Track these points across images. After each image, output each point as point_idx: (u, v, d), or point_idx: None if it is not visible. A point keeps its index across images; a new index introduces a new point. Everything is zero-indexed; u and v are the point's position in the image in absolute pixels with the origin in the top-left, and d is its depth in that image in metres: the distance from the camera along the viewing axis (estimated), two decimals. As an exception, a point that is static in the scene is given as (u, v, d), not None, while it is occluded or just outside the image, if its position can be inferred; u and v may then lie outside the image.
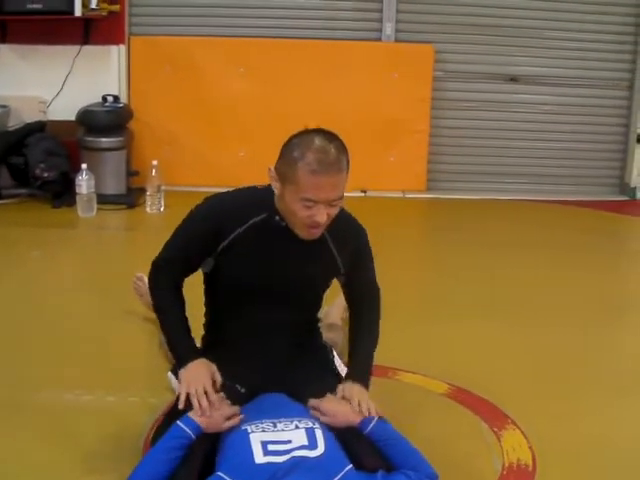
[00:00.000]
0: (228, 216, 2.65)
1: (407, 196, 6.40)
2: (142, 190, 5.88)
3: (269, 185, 2.61)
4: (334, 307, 3.65)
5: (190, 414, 2.53)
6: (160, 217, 5.73)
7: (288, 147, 2.52)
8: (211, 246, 2.67)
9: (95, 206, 5.62)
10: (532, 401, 3.31)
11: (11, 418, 3.03)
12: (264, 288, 2.69)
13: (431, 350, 3.71)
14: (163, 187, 5.76)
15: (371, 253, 2.83)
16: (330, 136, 2.52)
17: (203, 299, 2.87)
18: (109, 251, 5.15)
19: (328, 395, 2.61)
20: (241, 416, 2.54)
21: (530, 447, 2.97)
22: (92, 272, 4.70)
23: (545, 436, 3.03)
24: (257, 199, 2.67)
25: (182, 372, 2.64)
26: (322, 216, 2.49)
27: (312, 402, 2.59)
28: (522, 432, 3.06)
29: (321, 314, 3.06)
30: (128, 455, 2.76)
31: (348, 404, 2.57)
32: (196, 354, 2.69)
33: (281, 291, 2.70)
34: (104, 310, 4.03)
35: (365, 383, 2.68)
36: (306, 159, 2.44)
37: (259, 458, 2.38)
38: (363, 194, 6.36)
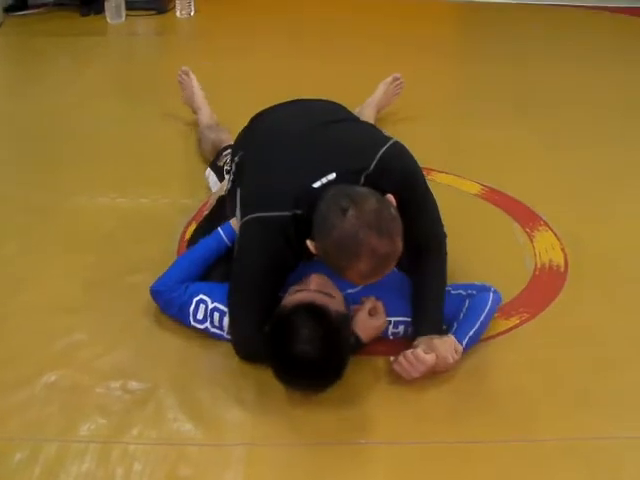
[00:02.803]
0: (286, 265, 2.36)
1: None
2: (172, -5, 5.75)
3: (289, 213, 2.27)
4: (365, 107, 3.59)
5: (232, 222, 2.55)
6: (190, 22, 5.61)
7: (330, 239, 2.12)
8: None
9: (124, 12, 5.50)
10: (564, 204, 3.29)
11: (47, 221, 3.08)
12: None
13: (464, 152, 3.68)
14: (193, -9, 5.63)
15: (425, 197, 2.45)
16: (381, 224, 2.10)
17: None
18: (140, 56, 5.09)
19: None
20: None
21: (562, 249, 2.98)
22: (123, 78, 4.64)
23: (577, 239, 3.04)
24: (295, 235, 2.27)
25: None
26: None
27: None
28: (554, 234, 3.06)
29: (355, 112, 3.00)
30: (162, 254, 2.82)
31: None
32: None
33: None
34: (137, 115, 4.01)
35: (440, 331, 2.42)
36: (357, 267, 2.11)
37: None
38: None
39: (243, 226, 2.34)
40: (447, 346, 2.34)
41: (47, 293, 2.67)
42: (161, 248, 2.88)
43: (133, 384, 2.30)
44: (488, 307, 2.48)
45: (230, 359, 2.40)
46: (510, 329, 2.57)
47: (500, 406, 2.28)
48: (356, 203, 2.12)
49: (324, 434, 2.18)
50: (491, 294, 2.52)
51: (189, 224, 3.00)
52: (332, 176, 2.27)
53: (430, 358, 2.29)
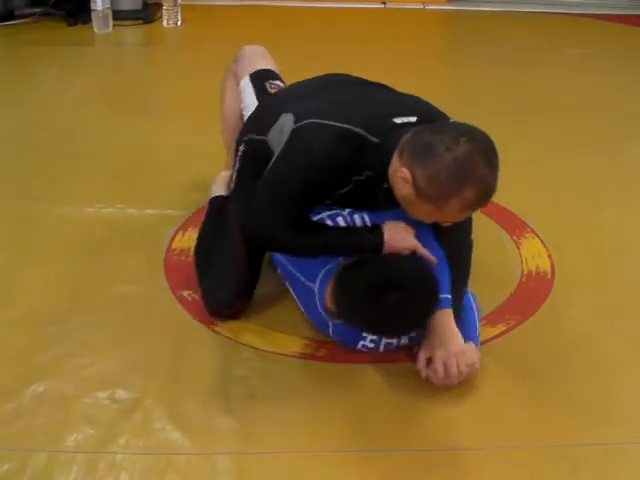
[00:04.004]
0: (332, 180, 2.28)
1: (428, 7, 6.19)
2: (158, 5, 5.74)
3: (360, 130, 2.20)
4: None
5: None
6: (177, 31, 5.62)
7: (441, 163, 2.05)
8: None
9: (111, 22, 5.50)
10: (550, 211, 3.30)
11: (34, 231, 3.08)
12: None
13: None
14: (180, 1, 5.63)
15: None
16: (491, 156, 2.10)
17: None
18: (127, 66, 5.08)
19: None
20: None
21: (549, 255, 2.99)
22: (111, 88, 4.63)
23: (563, 245, 3.05)
24: (357, 153, 2.21)
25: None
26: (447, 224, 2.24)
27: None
28: (541, 240, 3.08)
29: None
30: (148, 265, 2.83)
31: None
32: None
33: None
34: (124, 124, 3.99)
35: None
36: (464, 194, 2.06)
37: None
38: (383, 5, 6.17)
39: (297, 130, 2.26)
40: (474, 353, 2.34)
41: (34, 303, 2.66)
42: (148, 258, 2.88)
43: (120, 394, 2.29)
44: (475, 307, 2.50)
45: (218, 368, 2.40)
46: (497, 336, 2.57)
47: (487, 413, 2.28)
48: (466, 133, 2.10)
49: (316, 443, 2.17)
50: (470, 295, 2.51)
51: (175, 234, 3.00)
52: (413, 118, 2.24)
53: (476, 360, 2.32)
